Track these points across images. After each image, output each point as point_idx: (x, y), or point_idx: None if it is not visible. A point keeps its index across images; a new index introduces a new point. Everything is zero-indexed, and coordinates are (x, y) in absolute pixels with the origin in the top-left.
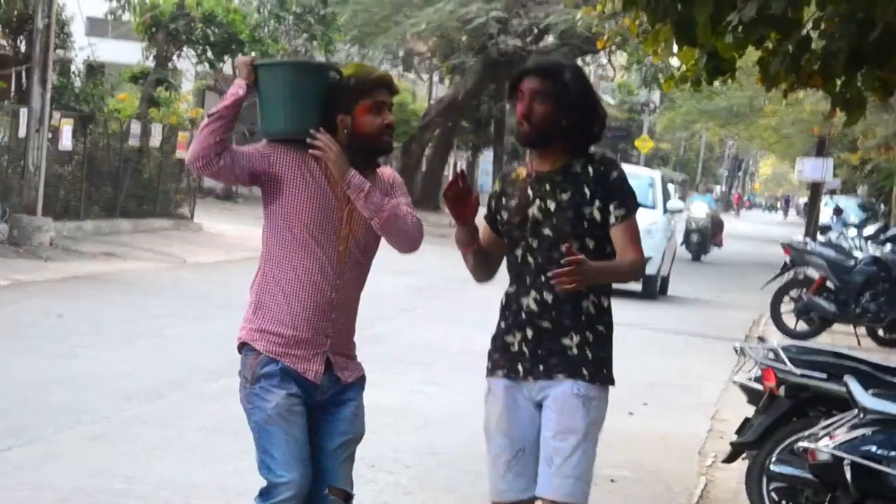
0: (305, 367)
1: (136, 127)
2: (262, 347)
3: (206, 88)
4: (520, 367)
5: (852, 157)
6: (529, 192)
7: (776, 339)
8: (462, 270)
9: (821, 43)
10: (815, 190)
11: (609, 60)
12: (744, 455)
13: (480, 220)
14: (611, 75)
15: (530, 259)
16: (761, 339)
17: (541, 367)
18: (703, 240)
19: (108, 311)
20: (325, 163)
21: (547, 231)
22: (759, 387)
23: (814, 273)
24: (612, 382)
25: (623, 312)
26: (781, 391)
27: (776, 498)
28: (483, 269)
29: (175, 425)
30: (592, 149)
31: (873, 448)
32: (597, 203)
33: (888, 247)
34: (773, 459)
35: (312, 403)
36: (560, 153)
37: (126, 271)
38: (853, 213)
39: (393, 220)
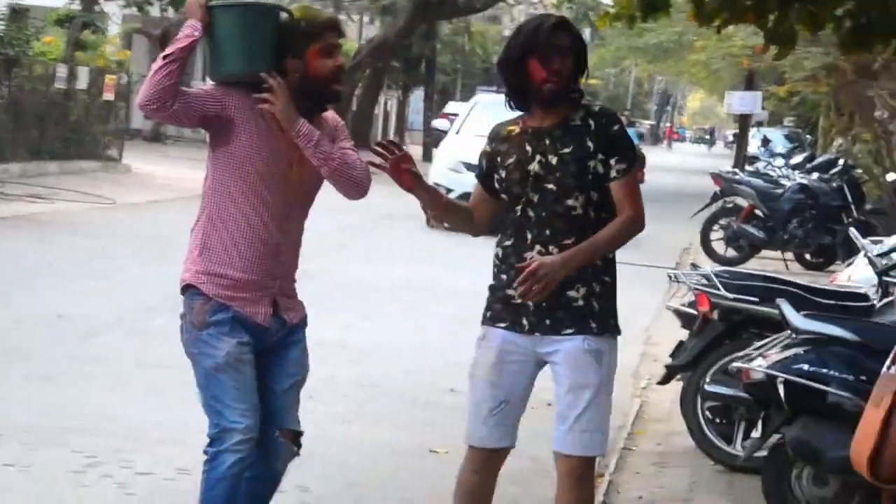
0: (254, 310)
1: (62, 70)
2: (211, 291)
3: (133, 32)
4: (525, 322)
5: (780, 89)
6: (528, 148)
7: (708, 266)
8: (391, 208)
9: None
10: (744, 122)
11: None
12: (678, 377)
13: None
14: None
15: (532, 214)
16: (694, 265)
17: (547, 322)
18: None
19: (40, 252)
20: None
21: (550, 185)
22: (692, 311)
23: (743, 202)
24: (619, 332)
25: None
26: (715, 315)
27: (710, 416)
28: (471, 226)
29: (123, 362)
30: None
31: (805, 366)
32: (599, 156)
33: (815, 175)
34: (708, 380)
35: (261, 347)
36: (559, 108)
37: (55, 212)
38: (780, 144)
39: (342, 168)
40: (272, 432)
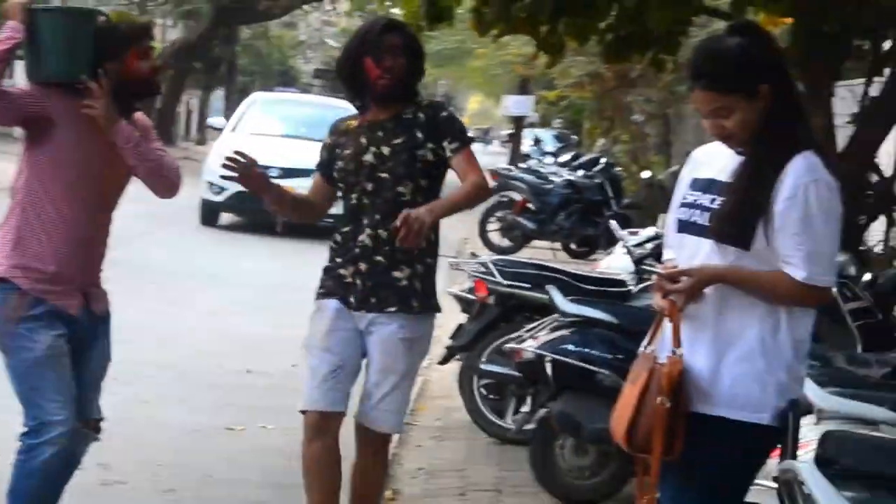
0: (69, 302)
1: None
2: (27, 285)
3: None
4: (352, 299)
5: (550, 94)
6: (363, 140)
7: (485, 255)
8: (192, 200)
9: None
10: (519, 123)
11: (333, 7)
12: (457, 357)
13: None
14: (335, 21)
15: (366, 201)
16: (473, 254)
17: (373, 300)
18: None
19: None
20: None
21: (384, 174)
22: (471, 297)
23: (517, 196)
24: (438, 310)
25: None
26: (491, 300)
27: (485, 393)
28: (314, 216)
29: None
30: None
31: (570, 346)
32: (429, 144)
33: (580, 172)
34: (483, 360)
35: (72, 338)
36: (396, 104)
37: None
38: (550, 143)
39: (158, 170)
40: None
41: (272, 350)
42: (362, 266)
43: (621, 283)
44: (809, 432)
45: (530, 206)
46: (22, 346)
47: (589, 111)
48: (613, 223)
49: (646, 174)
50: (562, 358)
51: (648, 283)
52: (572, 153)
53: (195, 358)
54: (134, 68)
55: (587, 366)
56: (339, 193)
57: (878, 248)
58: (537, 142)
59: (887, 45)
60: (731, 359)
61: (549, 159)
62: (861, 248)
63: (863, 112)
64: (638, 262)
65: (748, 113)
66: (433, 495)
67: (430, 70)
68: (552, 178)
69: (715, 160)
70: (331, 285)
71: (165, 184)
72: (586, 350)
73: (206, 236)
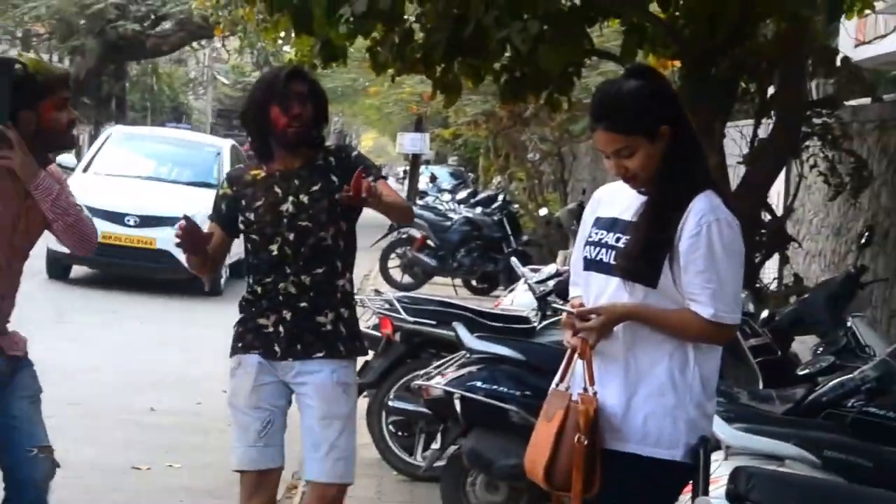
0: None
1: None
2: None
3: None
4: (276, 348)
5: (445, 132)
6: (277, 190)
7: (388, 291)
8: (39, 249)
9: (422, 35)
10: (415, 160)
11: (223, 44)
12: (364, 394)
13: (206, 220)
14: (225, 58)
15: (288, 250)
16: (377, 291)
17: (298, 347)
18: None
19: None
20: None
21: (304, 223)
22: (377, 333)
23: (416, 233)
24: (365, 352)
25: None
26: (397, 337)
27: (393, 430)
28: (211, 269)
29: None
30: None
31: (479, 383)
32: (345, 186)
33: (478, 209)
34: (391, 396)
35: None
36: (303, 151)
37: None
38: (446, 181)
39: (77, 225)
40: (27, 458)
41: (178, 387)
42: (286, 314)
43: (525, 319)
44: (719, 468)
45: (430, 242)
46: None
47: (484, 149)
48: (514, 260)
49: (543, 211)
50: (470, 395)
51: (552, 319)
52: (469, 190)
53: (99, 395)
54: (49, 119)
55: (496, 402)
56: (250, 246)
57: (773, 286)
58: (434, 179)
59: (773, 88)
60: (642, 395)
61: (447, 196)
62: (757, 285)
63: (752, 153)
64: (541, 298)
65: (650, 153)
66: None
67: None
68: (451, 214)
69: (617, 199)
70: (250, 339)
71: (83, 240)
72: (494, 387)
73: (55, 292)
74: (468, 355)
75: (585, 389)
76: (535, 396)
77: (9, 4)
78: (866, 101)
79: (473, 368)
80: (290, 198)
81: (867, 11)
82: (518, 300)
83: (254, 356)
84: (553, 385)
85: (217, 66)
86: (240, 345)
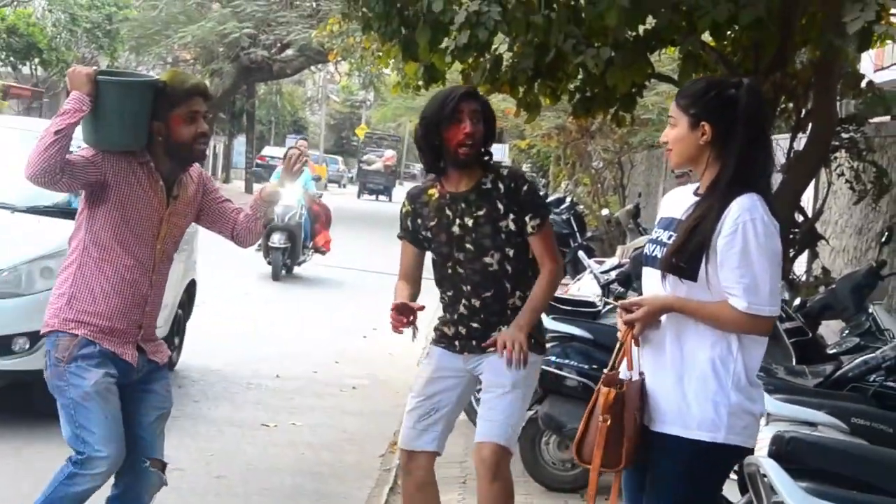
0: (122, 350)
1: None
2: (81, 332)
3: (7, 87)
4: (456, 344)
5: (521, 143)
6: (448, 212)
7: None
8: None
9: (510, 61)
10: None
11: (336, 68)
12: None
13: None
14: (337, 79)
15: (460, 270)
16: None
17: (474, 343)
18: (291, 247)
19: None
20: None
21: (469, 245)
22: None
23: None
24: (542, 350)
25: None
26: None
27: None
28: (417, 291)
29: None
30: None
31: (553, 357)
32: (511, 216)
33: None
34: None
35: (127, 383)
36: (471, 171)
37: None
38: None
39: (260, 229)
40: (140, 461)
41: (298, 358)
42: (462, 330)
43: (592, 304)
44: (761, 433)
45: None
46: (72, 383)
47: (554, 158)
48: (581, 253)
49: (604, 212)
50: (545, 367)
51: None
52: (541, 193)
53: (232, 362)
54: (177, 131)
55: (567, 374)
56: (433, 260)
57: (804, 278)
58: None
59: (808, 106)
60: (686, 381)
61: None
62: (791, 277)
63: (788, 163)
64: (604, 286)
65: (684, 136)
66: (439, 483)
67: (417, 121)
68: None
69: (679, 202)
70: (439, 335)
71: (257, 238)
72: (566, 360)
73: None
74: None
75: (630, 378)
76: (600, 369)
77: (162, 35)
78: (886, 118)
79: (549, 345)
80: (457, 220)
81: (888, 42)
82: (584, 288)
83: (438, 349)
84: (606, 369)
85: (330, 86)
86: (433, 337)
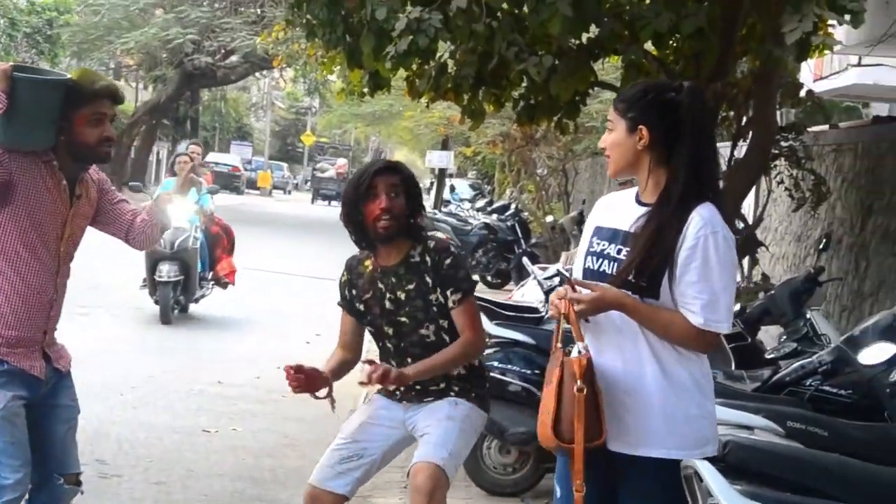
0: (31, 364)
1: None
2: None
3: None
4: (398, 393)
5: (467, 150)
6: (380, 285)
7: None
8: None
9: (454, 68)
10: (441, 174)
11: (280, 75)
12: None
13: (336, 308)
14: (282, 86)
15: (390, 345)
16: None
17: (413, 393)
18: (185, 280)
19: None
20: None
21: (403, 318)
22: None
23: (441, 235)
24: (484, 407)
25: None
26: None
27: None
28: (351, 363)
29: None
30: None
31: (495, 363)
32: (438, 290)
33: (494, 216)
34: None
35: (35, 398)
36: (399, 244)
37: None
38: (466, 191)
39: (157, 229)
40: (53, 479)
41: (239, 364)
42: (402, 396)
43: (535, 310)
44: None
45: (452, 244)
46: None
47: (500, 165)
48: (525, 259)
49: (549, 218)
50: (489, 373)
51: None
52: (486, 200)
53: (172, 370)
54: (78, 133)
55: (509, 379)
56: (370, 333)
57: (744, 284)
58: (453, 189)
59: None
60: (674, 400)
61: (467, 205)
62: None
63: (729, 170)
64: (547, 292)
65: (621, 141)
66: (380, 487)
67: (363, 127)
68: (470, 220)
69: (617, 210)
70: (380, 388)
71: (153, 240)
72: (508, 366)
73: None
74: (488, 339)
75: (578, 351)
76: (542, 374)
77: (104, 40)
78: (825, 127)
79: (491, 350)
80: (388, 294)
81: (826, 52)
82: (528, 294)
83: (380, 397)
84: (552, 348)
85: (275, 93)
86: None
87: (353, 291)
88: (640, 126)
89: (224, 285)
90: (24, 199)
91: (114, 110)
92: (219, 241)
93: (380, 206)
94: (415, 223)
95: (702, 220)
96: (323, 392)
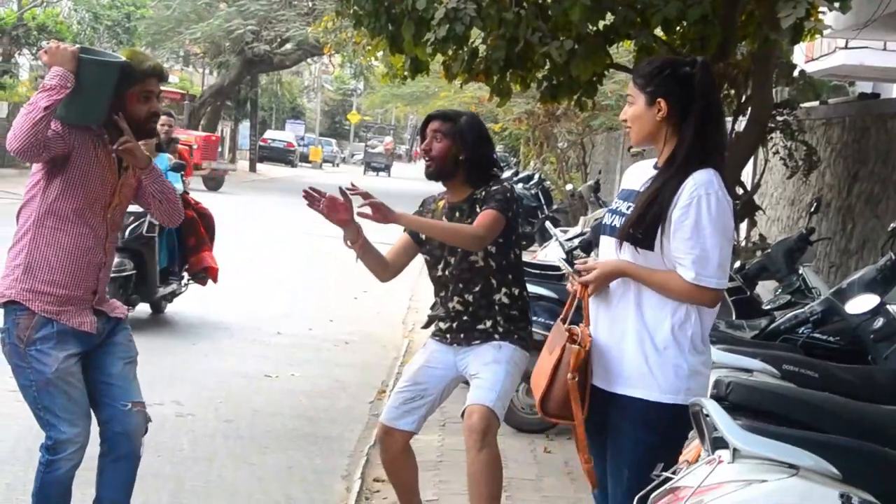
0: (80, 321)
1: None
2: (37, 307)
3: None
4: (448, 337)
5: (495, 126)
6: (444, 218)
7: None
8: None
9: (485, 53)
10: None
11: (329, 60)
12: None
13: (401, 232)
14: (331, 70)
15: (448, 273)
16: None
17: (462, 336)
18: (140, 274)
19: None
20: (126, 148)
21: (459, 249)
22: None
23: None
24: (526, 347)
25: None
26: None
27: None
28: (382, 271)
29: None
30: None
31: None
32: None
33: (519, 185)
34: None
35: (90, 349)
36: (463, 185)
37: None
38: None
39: (174, 202)
40: (120, 408)
41: (296, 317)
42: (454, 324)
43: (557, 268)
44: None
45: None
46: (33, 367)
47: (524, 139)
48: (548, 224)
49: (569, 187)
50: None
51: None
52: (512, 171)
53: (235, 321)
54: (131, 108)
55: (535, 329)
56: (426, 264)
57: (743, 244)
58: None
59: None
60: (650, 347)
61: None
62: (732, 242)
63: (730, 143)
64: (568, 252)
65: (643, 114)
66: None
67: (403, 107)
68: None
69: (639, 175)
70: (435, 329)
71: (173, 213)
72: (534, 318)
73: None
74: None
75: (579, 344)
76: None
77: (175, 31)
78: (816, 103)
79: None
80: None
81: (817, 36)
82: (551, 254)
83: (434, 341)
84: (559, 318)
85: (325, 76)
86: (433, 329)
87: None
88: (659, 99)
89: (203, 280)
90: (78, 169)
91: (159, 88)
92: (193, 229)
93: (424, 147)
94: (468, 167)
95: (697, 182)
96: (353, 236)
